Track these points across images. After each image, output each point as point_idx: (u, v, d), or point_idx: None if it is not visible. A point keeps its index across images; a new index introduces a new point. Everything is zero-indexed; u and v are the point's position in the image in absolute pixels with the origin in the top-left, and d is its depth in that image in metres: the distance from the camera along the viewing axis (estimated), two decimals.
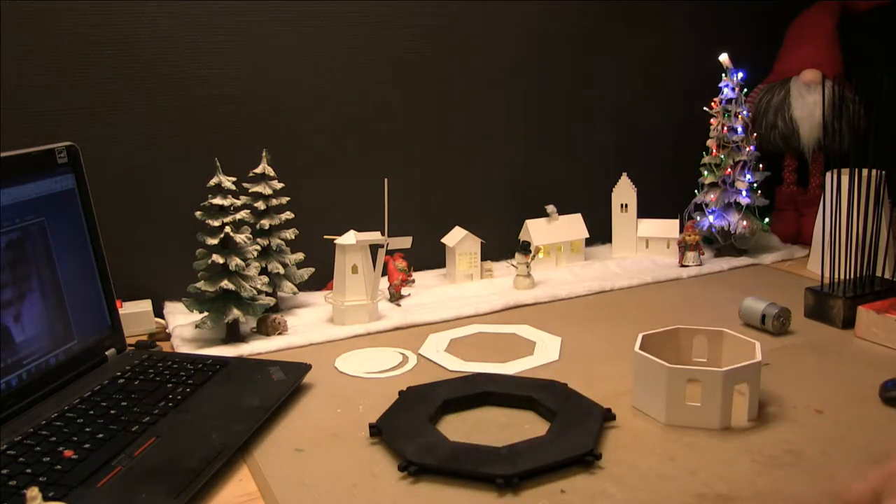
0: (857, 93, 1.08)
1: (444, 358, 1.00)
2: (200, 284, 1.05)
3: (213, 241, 1.04)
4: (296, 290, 1.17)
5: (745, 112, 1.37)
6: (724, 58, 1.36)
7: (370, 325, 1.11)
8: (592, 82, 1.47)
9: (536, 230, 1.38)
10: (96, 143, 1.13)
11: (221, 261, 1.04)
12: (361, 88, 1.29)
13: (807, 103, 1.42)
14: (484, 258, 1.33)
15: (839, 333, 1.05)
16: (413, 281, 1.30)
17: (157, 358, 0.96)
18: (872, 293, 1.07)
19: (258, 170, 1.17)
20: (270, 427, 0.82)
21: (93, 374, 0.92)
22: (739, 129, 1.36)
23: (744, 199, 1.36)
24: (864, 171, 1.06)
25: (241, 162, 1.17)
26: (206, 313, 1.05)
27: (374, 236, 1.13)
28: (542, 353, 1.01)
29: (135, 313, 1.11)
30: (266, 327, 1.09)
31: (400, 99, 1.32)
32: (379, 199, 1.15)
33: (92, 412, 0.81)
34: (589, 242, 1.44)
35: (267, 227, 1.15)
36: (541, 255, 1.37)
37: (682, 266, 1.36)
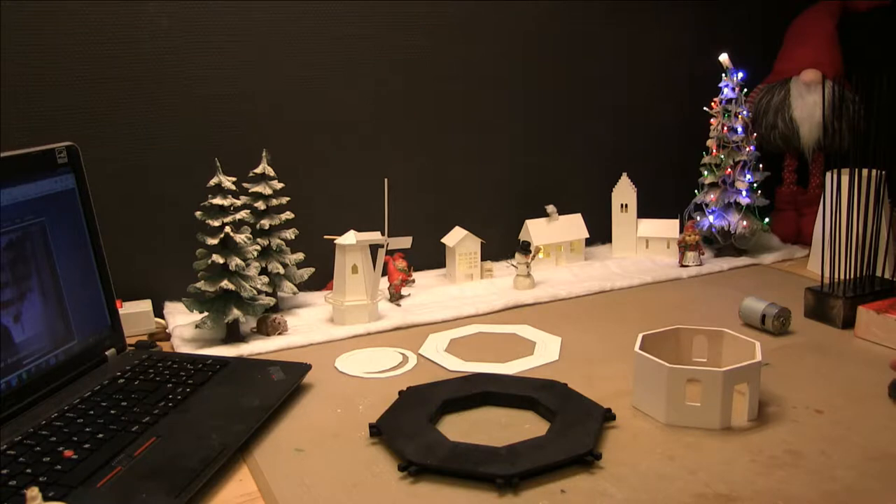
0: (857, 93, 1.08)
1: (444, 358, 1.00)
2: (200, 284, 1.05)
3: (213, 241, 1.04)
4: (296, 290, 1.17)
5: (745, 112, 1.37)
6: (724, 58, 1.36)
7: (370, 325, 1.11)
8: (592, 82, 1.47)
9: (536, 230, 1.38)
10: (96, 143, 1.13)
11: (221, 261, 1.04)
12: (361, 88, 1.29)
13: (807, 103, 1.42)
14: (484, 258, 1.33)
15: (839, 333, 1.05)
16: (413, 281, 1.30)
17: (157, 358, 0.96)
18: (872, 293, 1.07)
19: (258, 170, 1.17)
20: (270, 427, 0.82)
21: (93, 374, 0.91)
22: (739, 129, 1.36)
23: (744, 199, 1.36)
24: (864, 171, 1.06)
25: (241, 162, 1.17)
26: (206, 313, 1.05)
27: (374, 236, 1.13)
28: (542, 353, 1.01)
29: (135, 313, 1.11)
30: (266, 327, 1.09)
31: (400, 99, 1.32)
32: (379, 198, 1.15)
33: (92, 412, 0.81)
34: (589, 242, 1.44)
35: (267, 227, 1.15)
36: (541, 255, 1.37)
37: (682, 266, 1.36)
